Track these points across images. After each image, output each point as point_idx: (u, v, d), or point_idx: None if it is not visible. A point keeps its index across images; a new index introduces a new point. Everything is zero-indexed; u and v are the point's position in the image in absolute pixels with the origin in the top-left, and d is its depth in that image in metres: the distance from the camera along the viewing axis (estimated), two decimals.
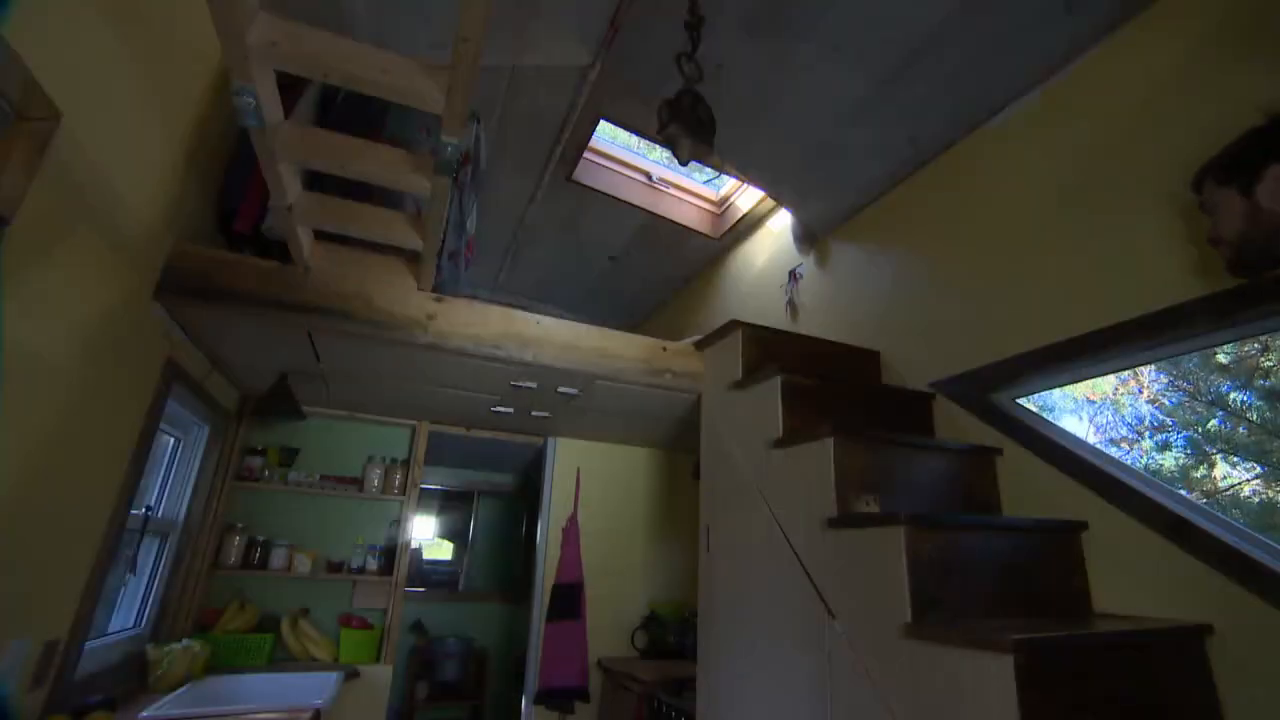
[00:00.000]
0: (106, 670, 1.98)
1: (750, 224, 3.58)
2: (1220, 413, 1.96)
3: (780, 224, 3.33)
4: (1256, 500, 1.91)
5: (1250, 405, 1.93)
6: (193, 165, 1.92)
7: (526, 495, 5.18)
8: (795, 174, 2.75)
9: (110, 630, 2.19)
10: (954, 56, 2.07)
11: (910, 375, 2.28)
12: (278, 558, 2.92)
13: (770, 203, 3.37)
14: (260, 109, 1.27)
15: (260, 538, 2.95)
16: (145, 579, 2.40)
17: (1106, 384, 2.13)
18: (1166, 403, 2.08)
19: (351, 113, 2.18)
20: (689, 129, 2.34)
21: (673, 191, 3.69)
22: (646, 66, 2.64)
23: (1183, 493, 1.57)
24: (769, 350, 2.22)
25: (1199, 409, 1.99)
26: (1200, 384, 1.99)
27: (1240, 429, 1.94)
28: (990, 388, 1.97)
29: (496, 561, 5.09)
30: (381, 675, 2.87)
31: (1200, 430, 2.00)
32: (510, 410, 2.94)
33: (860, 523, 1.52)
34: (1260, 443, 1.91)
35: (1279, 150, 1.08)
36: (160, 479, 2.49)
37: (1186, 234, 1.54)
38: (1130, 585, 1.55)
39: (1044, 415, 1.91)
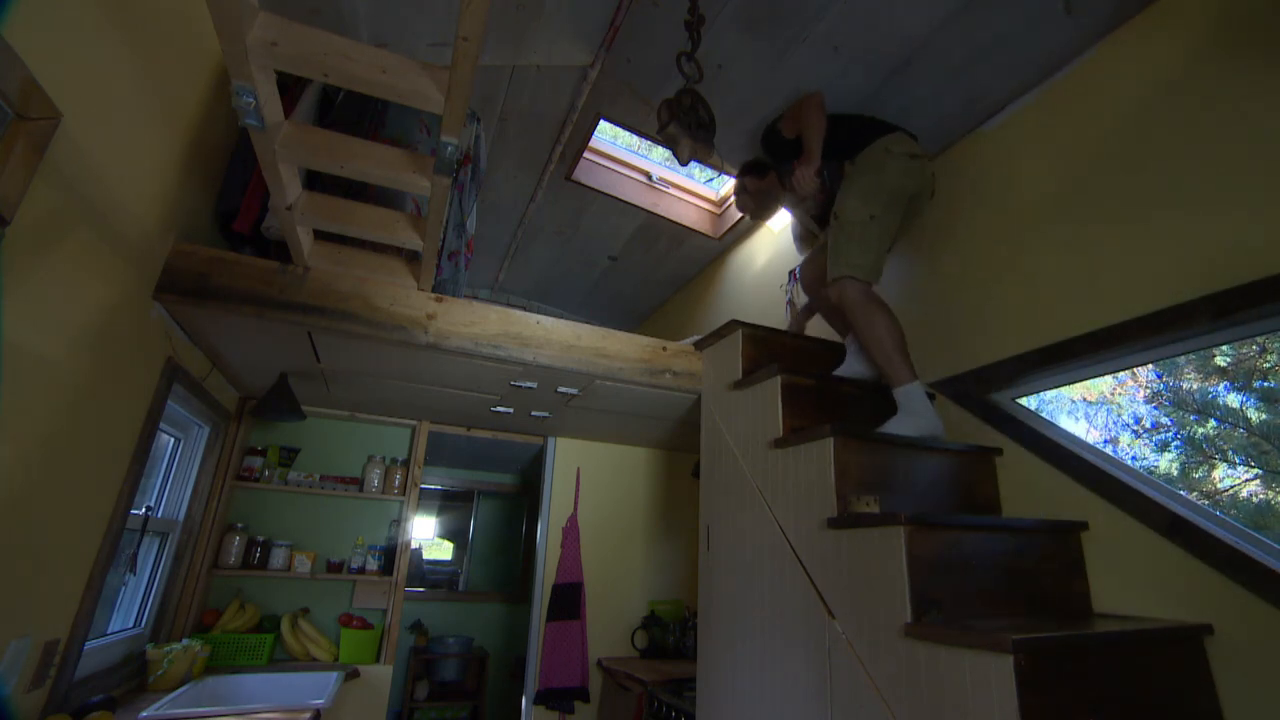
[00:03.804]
0: (106, 670, 1.98)
1: (750, 224, 3.58)
2: (1212, 419, 1.96)
3: (780, 224, 3.33)
4: (1255, 501, 1.91)
5: (1248, 405, 1.92)
6: (192, 165, 1.92)
7: (526, 495, 5.18)
8: None
9: (110, 630, 2.19)
10: (953, 57, 2.07)
11: None
12: (278, 558, 2.93)
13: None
14: (260, 109, 1.26)
15: (260, 538, 2.96)
16: (145, 579, 2.41)
17: (1103, 385, 2.13)
18: (1165, 402, 2.08)
19: (352, 110, 2.18)
20: (689, 129, 2.34)
21: (673, 191, 3.69)
22: (646, 66, 2.64)
23: (1182, 493, 1.57)
24: (769, 350, 2.22)
25: (1187, 417, 1.99)
26: (1186, 393, 1.99)
27: (1239, 430, 1.94)
28: (990, 388, 1.97)
29: (496, 561, 5.09)
30: (381, 675, 2.87)
31: (1197, 432, 2.00)
32: (510, 410, 2.94)
33: (860, 523, 1.52)
34: (1257, 444, 1.91)
35: (750, 170, 2.49)
36: (160, 479, 2.49)
37: (1185, 233, 1.54)
38: (1130, 585, 1.55)
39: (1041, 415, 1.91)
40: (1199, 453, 1.98)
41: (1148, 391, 2.10)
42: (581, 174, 3.43)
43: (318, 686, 2.43)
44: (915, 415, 1.83)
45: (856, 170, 2.08)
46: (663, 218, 3.65)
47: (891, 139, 2.08)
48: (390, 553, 3.15)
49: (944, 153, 2.35)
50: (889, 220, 2.01)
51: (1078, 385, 1.97)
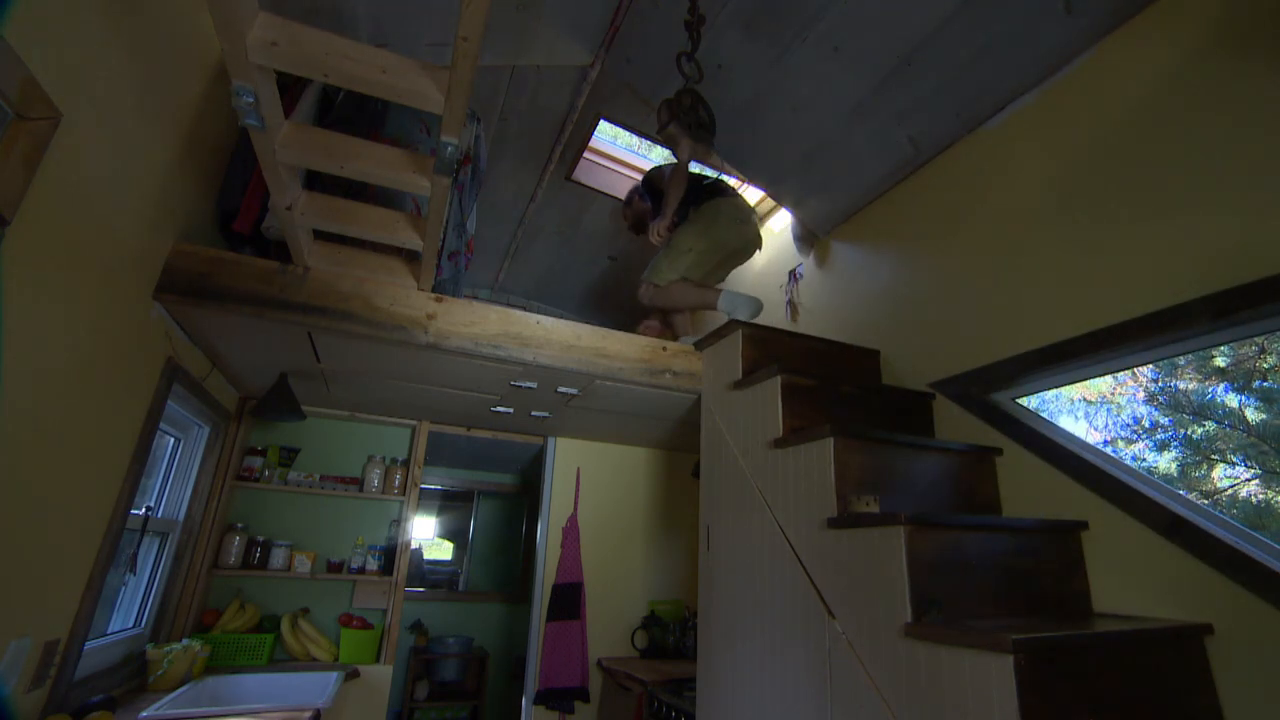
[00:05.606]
0: (106, 670, 1.98)
1: None
2: (1211, 421, 1.96)
3: (780, 224, 3.33)
4: (1255, 501, 1.91)
5: (1247, 405, 1.92)
6: (192, 165, 1.92)
7: (526, 495, 5.18)
8: (795, 174, 2.75)
9: (110, 630, 2.19)
10: (953, 57, 2.07)
11: (910, 375, 2.28)
12: (278, 558, 2.92)
13: (770, 202, 3.37)
14: (260, 109, 1.26)
15: (260, 538, 2.96)
16: (145, 579, 2.40)
17: (1103, 385, 2.14)
18: (1162, 401, 2.08)
19: (352, 110, 2.18)
20: (689, 129, 2.35)
21: None
22: (646, 66, 2.65)
23: (1182, 493, 1.58)
24: (769, 350, 2.22)
25: (1185, 420, 1.99)
26: (1184, 393, 1.99)
27: (1239, 430, 1.94)
28: (990, 388, 1.98)
29: (496, 561, 5.09)
30: (381, 675, 2.87)
31: (1196, 432, 2.00)
32: (510, 410, 2.94)
33: (860, 522, 1.52)
34: (1255, 444, 1.91)
35: (641, 193, 3.05)
36: (160, 479, 2.49)
37: (1185, 234, 1.54)
38: (1130, 585, 1.55)
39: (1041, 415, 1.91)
40: (1198, 452, 1.98)
41: (1145, 393, 2.10)
42: (581, 174, 3.44)
43: (318, 687, 2.43)
44: (737, 306, 2.52)
45: (697, 215, 2.70)
46: None
47: (724, 202, 2.71)
48: (390, 553, 3.15)
49: (945, 152, 2.35)
50: (704, 258, 2.68)
51: (1078, 385, 1.97)
